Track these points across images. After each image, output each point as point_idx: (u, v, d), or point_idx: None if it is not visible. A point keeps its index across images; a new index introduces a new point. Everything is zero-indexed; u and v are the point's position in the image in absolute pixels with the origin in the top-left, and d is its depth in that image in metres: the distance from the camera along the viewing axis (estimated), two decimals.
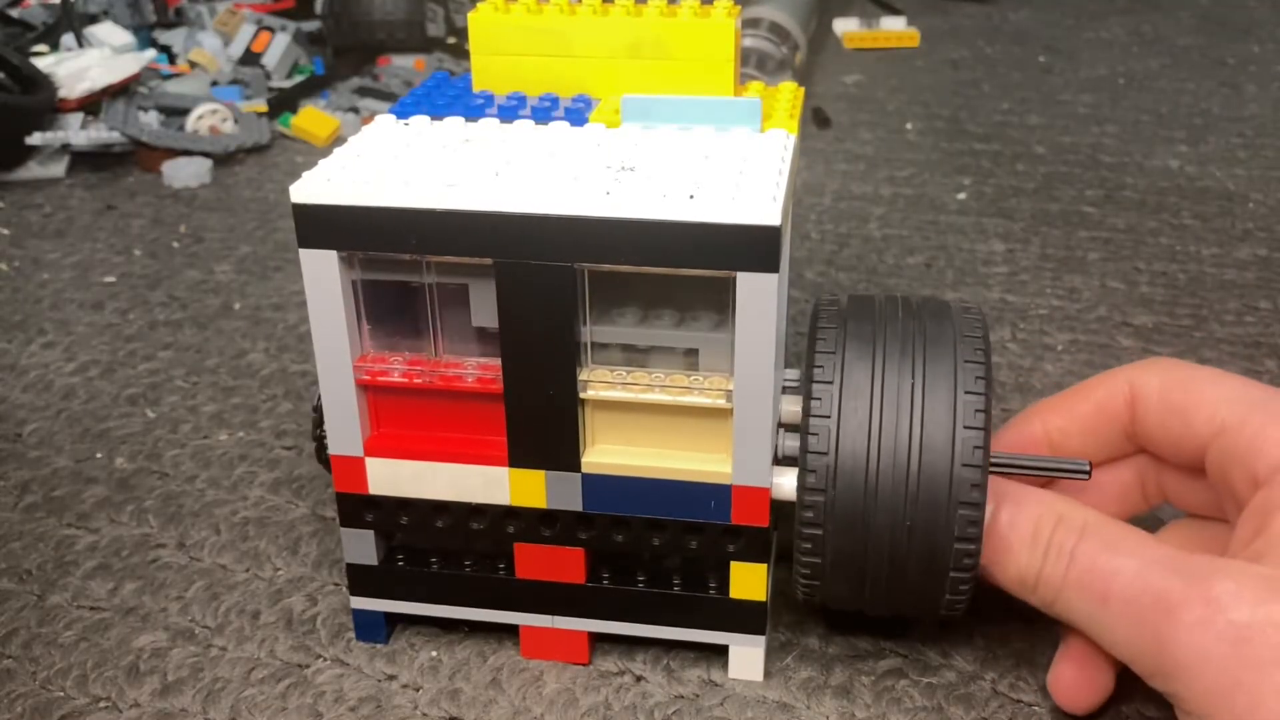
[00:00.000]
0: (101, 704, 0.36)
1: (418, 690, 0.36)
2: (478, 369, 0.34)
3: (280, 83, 0.94)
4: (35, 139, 0.78)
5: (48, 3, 0.97)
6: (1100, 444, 0.37)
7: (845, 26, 1.15)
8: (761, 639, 0.36)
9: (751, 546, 0.34)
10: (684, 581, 0.36)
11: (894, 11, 1.21)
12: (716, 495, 0.34)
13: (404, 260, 0.33)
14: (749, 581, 0.35)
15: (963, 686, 0.36)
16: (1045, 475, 0.35)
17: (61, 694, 0.36)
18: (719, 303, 0.32)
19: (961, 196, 0.75)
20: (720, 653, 0.37)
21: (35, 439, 0.50)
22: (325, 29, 0.99)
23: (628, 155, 0.33)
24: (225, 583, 0.41)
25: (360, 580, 0.37)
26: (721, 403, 0.33)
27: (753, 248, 0.30)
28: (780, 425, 0.35)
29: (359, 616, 0.38)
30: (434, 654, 0.38)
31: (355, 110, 0.89)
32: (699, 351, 0.33)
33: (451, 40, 1.02)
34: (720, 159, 0.33)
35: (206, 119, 0.83)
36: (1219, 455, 0.33)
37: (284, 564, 0.42)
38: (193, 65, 0.94)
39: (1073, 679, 0.35)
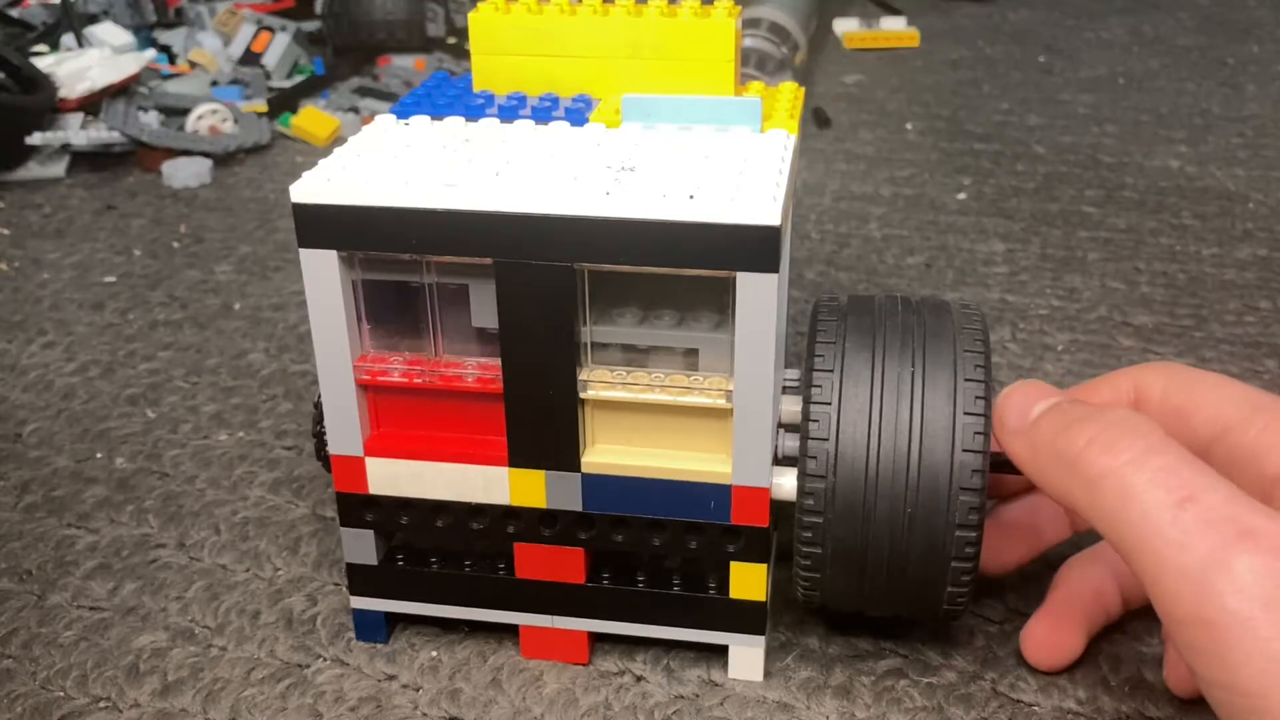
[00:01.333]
0: (101, 704, 0.36)
1: (418, 690, 0.36)
2: (478, 369, 0.34)
3: (280, 83, 0.94)
4: (35, 139, 0.78)
5: (48, 3, 0.97)
6: None
7: (845, 26, 1.15)
8: (761, 639, 0.36)
9: (751, 546, 0.34)
10: (684, 581, 0.36)
11: (894, 11, 1.21)
12: (716, 495, 0.34)
13: (404, 260, 0.33)
14: (749, 581, 0.35)
15: (963, 686, 0.36)
16: None
17: (61, 694, 0.36)
18: (719, 303, 0.32)
19: (961, 196, 0.75)
20: (720, 653, 0.37)
21: (35, 439, 0.50)
22: (325, 29, 0.99)
23: (628, 155, 0.33)
24: (225, 583, 0.41)
25: (360, 580, 0.37)
26: (721, 403, 0.33)
27: (753, 248, 0.30)
28: (780, 426, 0.35)
29: (359, 616, 0.38)
30: (434, 654, 0.38)
31: (355, 110, 0.89)
32: (699, 352, 0.33)
33: (451, 40, 1.02)
34: (720, 159, 0.33)
35: (206, 119, 0.83)
36: (1224, 457, 0.32)
37: (284, 564, 0.42)
38: (193, 65, 0.94)
39: (1044, 636, 0.36)
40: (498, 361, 0.33)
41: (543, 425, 0.33)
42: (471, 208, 0.31)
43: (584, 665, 0.37)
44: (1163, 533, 0.27)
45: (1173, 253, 0.66)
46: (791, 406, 0.36)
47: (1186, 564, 0.26)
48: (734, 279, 0.31)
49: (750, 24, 0.94)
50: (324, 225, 0.32)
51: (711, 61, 0.36)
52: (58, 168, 0.80)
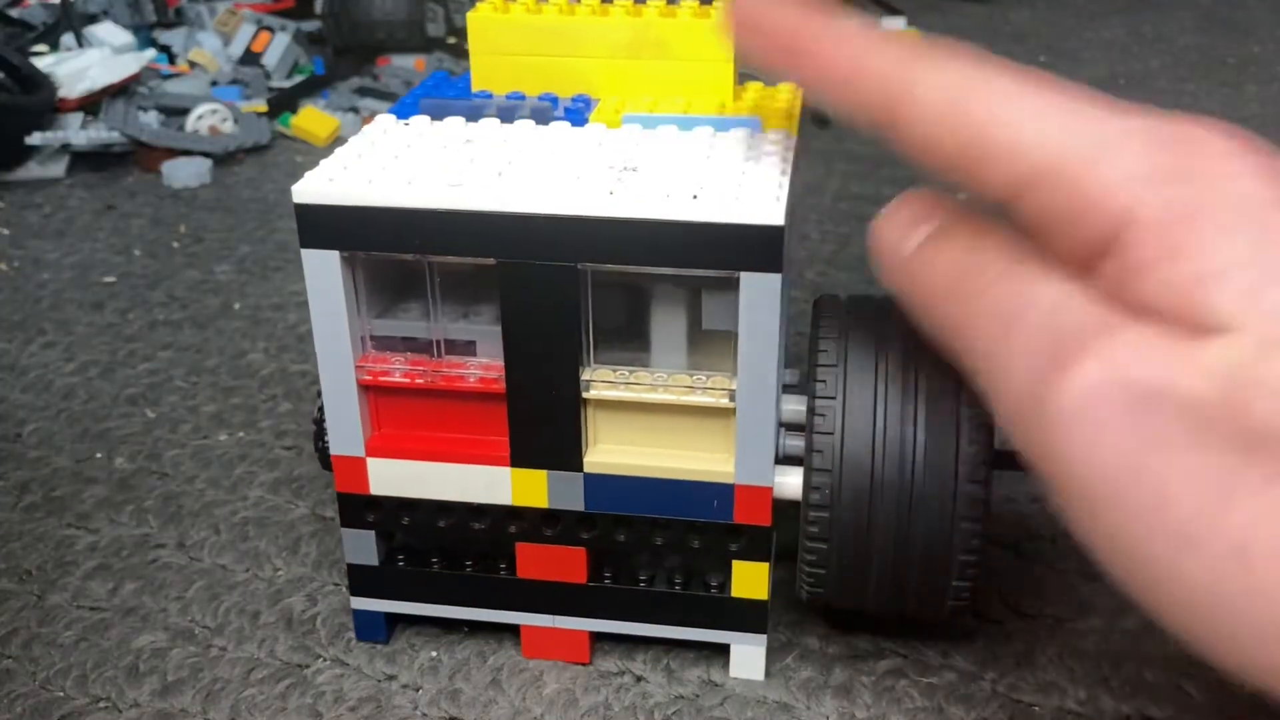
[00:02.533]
0: (101, 704, 0.36)
1: (418, 690, 0.36)
2: (480, 369, 0.34)
3: (280, 83, 0.94)
4: (35, 139, 0.78)
5: (48, 3, 0.97)
6: None
7: None
8: (763, 638, 0.36)
9: (753, 545, 0.34)
10: (686, 581, 0.36)
11: (894, 11, 1.21)
12: (719, 494, 0.34)
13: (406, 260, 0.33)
14: (751, 580, 0.35)
15: (963, 686, 0.36)
16: None
17: (61, 694, 0.36)
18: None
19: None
20: (720, 653, 0.37)
21: (35, 439, 0.50)
22: (325, 29, 0.99)
23: (630, 155, 0.33)
24: (225, 583, 0.41)
25: (361, 580, 0.37)
26: (724, 402, 0.33)
27: (756, 247, 0.30)
28: (781, 425, 0.35)
29: (359, 616, 0.38)
30: (434, 654, 0.37)
31: (355, 110, 0.89)
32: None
33: (451, 40, 1.03)
34: (722, 159, 0.33)
35: (206, 119, 0.83)
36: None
37: (284, 564, 0.42)
38: (193, 65, 0.94)
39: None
40: (500, 361, 0.33)
41: (545, 425, 0.33)
42: (475, 208, 0.31)
43: (584, 665, 0.37)
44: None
45: None
46: (791, 406, 0.36)
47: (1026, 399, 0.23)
48: (737, 278, 0.31)
49: None
50: (326, 225, 0.32)
51: (710, 61, 0.36)
52: (58, 168, 0.80)
